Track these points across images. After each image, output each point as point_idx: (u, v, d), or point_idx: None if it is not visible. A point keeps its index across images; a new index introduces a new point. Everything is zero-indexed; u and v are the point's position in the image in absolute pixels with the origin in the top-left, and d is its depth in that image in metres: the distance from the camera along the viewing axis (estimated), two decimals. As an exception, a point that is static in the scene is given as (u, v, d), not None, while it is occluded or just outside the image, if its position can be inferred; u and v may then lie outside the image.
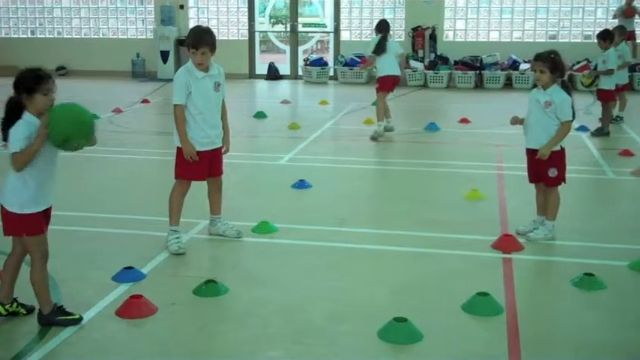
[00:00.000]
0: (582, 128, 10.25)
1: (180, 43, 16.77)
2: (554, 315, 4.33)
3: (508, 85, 15.71)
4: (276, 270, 4.97)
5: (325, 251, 5.34)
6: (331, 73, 17.34)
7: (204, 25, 9.54)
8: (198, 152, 5.22)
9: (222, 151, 5.46)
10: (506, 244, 5.33)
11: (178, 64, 16.42)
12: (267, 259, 5.19)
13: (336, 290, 4.60)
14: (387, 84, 10.04)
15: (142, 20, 18.79)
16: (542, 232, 5.52)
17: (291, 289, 4.64)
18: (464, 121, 11.27)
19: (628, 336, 3.96)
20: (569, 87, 5.55)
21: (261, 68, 18.19)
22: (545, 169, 5.46)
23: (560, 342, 3.94)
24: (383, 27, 10.14)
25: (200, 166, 5.27)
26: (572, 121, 5.45)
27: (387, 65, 10.00)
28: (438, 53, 16.55)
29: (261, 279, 4.79)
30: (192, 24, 17.57)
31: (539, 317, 4.26)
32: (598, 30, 11.25)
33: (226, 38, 17.84)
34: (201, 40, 5.12)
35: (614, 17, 15.42)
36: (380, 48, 9.92)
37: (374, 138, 9.79)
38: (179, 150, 5.26)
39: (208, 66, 5.21)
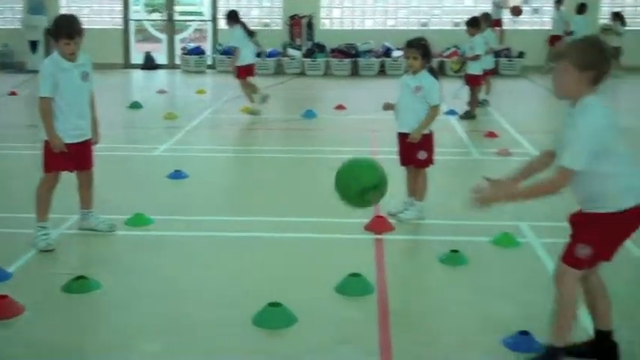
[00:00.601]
0: (451, 112, 10.62)
1: (50, 32, 16.08)
2: (422, 291, 4.51)
3: (382, 71, 16.06)
4: (151, 262, 4.89)
5: (202, 241, 5.30)
6: (209, 61, 17.15)
7: (75, 13, 9.35)
8: (67, 144, 5.05)
9: (92, 142, 5.30)
10: (378, 225, 5.46)
11: (48, 54, 15.74)
12: (142, 252, 5.10)
13: (212, 279, 4.59)
14: (246, 71, 10.85)
15: (10, 9, 17.93)
16: (412, 212, 5.70)
17: (166, 280, 4.57)
18: (340, 107, 11.44)
19: (492, 307, 4.15)
20: (436, 72, 5.74)
21: (138, 58, 17.77)
22: (415, 152, 5.63)
23: (428, 316, 4.10)
24: (235, 18, 10.93)
25: (69, 159, 5.10)
26: (439, 105, 5.64)
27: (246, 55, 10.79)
28: (315, 41, 16.71)
29: (135, 272, 4.71)
30: (64, 12, 16.93)
31: (407, 294, 4.42)
32: (466, 18, 11.67)
33: (100, 27, 17.29)
34: (74, 29, 4.98)
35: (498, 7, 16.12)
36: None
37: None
38: (46, 143, 5.07)
39: (76, 56, 5.06)
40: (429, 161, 5.70)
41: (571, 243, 3.30)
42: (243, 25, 10.86)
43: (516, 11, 15.12)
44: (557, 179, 3.19)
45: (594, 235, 3.23)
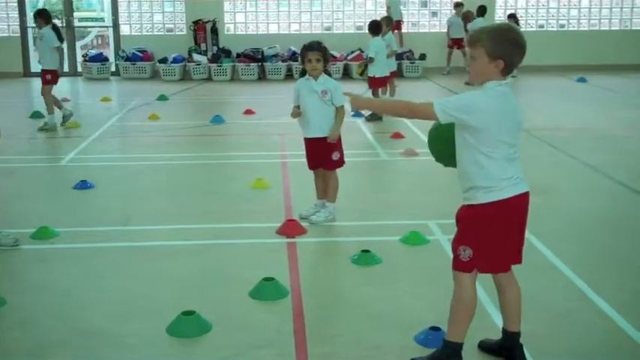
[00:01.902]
0: (357, 114, 10.75)
1: None
2: (335, 292, 4.53)
3: (289, 75, 16.08)
4: (58, 276, 4.73)
5: (110, 252, 5.17)
6: (113, 68, 16.77)
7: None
8: None
9: None
10: (290, 228, 5.47)
11: None
12: (48, 266, 4.92)
13: (122, 291, 4.47)
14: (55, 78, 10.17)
15: None
16: (324, 214, 5.73)
17: (74, 293, 4.44)
18: (248, 112, 11.40)
19: (404, 305, 4.22)
20: (331, 74, 5.81)
21: (36, 66, 17.13)
22: (329, 154, 5.66)
23: (342, 316, 4.12)
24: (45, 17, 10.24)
25: None
26: (344, 105, 5.71)
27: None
28: (221, 46, 16.58)
29: (41, 286, 4.54)
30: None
31: (321, 295, 4.43)
32: (369, 21, 11.84)
33: (-4, 35, 16.65)
34: None
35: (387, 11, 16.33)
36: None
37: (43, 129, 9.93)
38: None
39: None
40: (341, 162, 5.74)
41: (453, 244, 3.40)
42: (55, 27, 10.15)
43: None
44: (420, 107, 3.30)
45: (470, 233, 3.31)
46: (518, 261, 3.41)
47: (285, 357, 3.62)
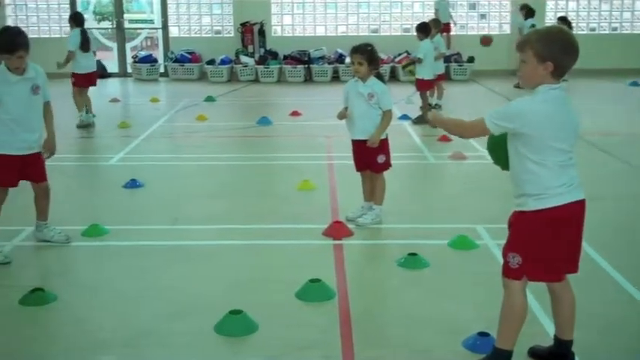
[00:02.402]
0: (404, 117, 10.71)
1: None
2: (381, 295, 4.52)
3: (336, 77, 16.09)
4: (108, 273, 4.81)
5: (158, 251, 5.24)
6: (162, 69, 16.99)
7: (20, 24, 9.33)
8: (9, 156, 4.95)
9: (44, 156, 5.19)
10: (337, 230, 5.47)
11: None
12: (98, 263, 5.01)
13: (170, 289, 4.53)
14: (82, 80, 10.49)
15: (-46, 19, 17.50)
16: (370, 217, 5.72)
17: (123, 291, 4.51)
18: (295, 114, 11.44)
19: (451, 309, 4.18)
20: (383, 78, 5.79)
21: (88, 67, 17.47)
22: (374, 156, 5.65)
23: (389, 320, 4.11)
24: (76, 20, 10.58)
25: (10, 172, 4.99)
26: (392, 109, 5.68)
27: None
28: (268, 48, 16.67)
29: (92, 283, 4.62)
30: (10, 22, 16.59)
31: (368, 298, 4.43)
32: (416, 23, 11.78)
33: (48, 36, 16.98)
34: (15, 43, 4.81)
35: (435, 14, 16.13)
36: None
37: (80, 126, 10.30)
38: None
39: (25, 69, 4.93)
40: (387, 165, 5.73)
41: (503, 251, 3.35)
42: (83, 32, 10.42)
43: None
44: (474, 124, 3.34)
45: (520, 240, 3.26)
46: (573, 270, 3.34)
47: (332, 358, 3.62)
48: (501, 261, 3.36)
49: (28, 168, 5.08)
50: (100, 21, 19.82)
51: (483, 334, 3.69)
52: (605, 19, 17.78)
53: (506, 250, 3.31)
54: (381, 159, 5.67)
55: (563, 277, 3.35)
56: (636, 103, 12.88)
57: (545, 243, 3.20)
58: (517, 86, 14.65)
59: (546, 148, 3.14)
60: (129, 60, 17.31)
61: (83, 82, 10.54)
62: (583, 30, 17.46)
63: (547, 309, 3.66)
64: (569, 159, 3.20)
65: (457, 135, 3.57)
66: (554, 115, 3.14)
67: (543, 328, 3.85)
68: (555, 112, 3.15)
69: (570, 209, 3.21)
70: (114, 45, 17.88)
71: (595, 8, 17.66)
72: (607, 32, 17.76)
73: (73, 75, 10.54)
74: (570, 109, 3.22)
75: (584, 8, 17.66)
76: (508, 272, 3.29)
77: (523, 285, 3.30)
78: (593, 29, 17.71)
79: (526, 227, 3.24)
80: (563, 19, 15.62)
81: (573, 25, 16.48)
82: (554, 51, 3.13)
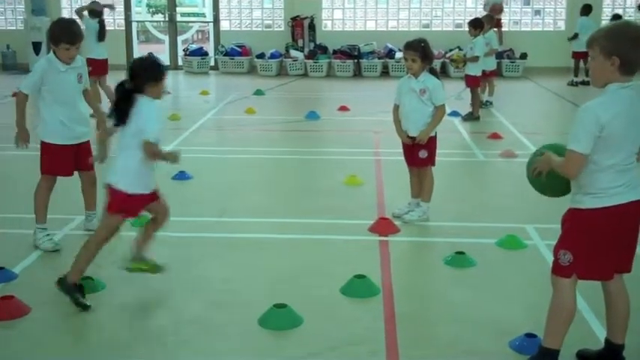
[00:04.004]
0: (454, 113, 10.61)
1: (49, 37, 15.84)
2: (427, 293, 4.49)
3: (385, 72, 16.04)
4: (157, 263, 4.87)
5: (206, 242, 5.29)
6: (212, 63, 17.15)
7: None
8: (63, 146, 5.07)
9: (99, 135, 5.31)
10: (383, 227, 5.45)
11: None
12: (146, 253, 5.07)
13: (217, 281, 4.58)
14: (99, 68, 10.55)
15: (12, 10, 17.93)
16: (417, 213, 5.69)
17: (172, 281, 4.56)
18: (343, 109, 11.43)
19: (498, 309, 4.14)
20: (437, 73, 5.72)
21: (139, 59, 17.75)
22: (416, 151, 5.61)
23: (434, 318, 4.09)
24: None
25: (64, 161, 5.11)
26: (444, 104, 5.62)
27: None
28: (317, 43, 16.69)
29: (140, 273, 4.69)
30: (65, 14, 16.94)
31: (413, 296, 4.40)
32: (468, 18, 11.66)
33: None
34: (76, 34, 4.98)
35: (485, 8, 15.96)
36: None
37: None
38: (43, 145, 5.08)
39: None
40: (429, 161, 5.66)
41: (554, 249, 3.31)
42: (101, 22, 10.79)
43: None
44: (563, 162, 3.18)
45: (572, 238, 3.22)
46: (626, 269, 3.29)
47: (376, 355, 3.61)
48: (550, 261, 3.31)
49: (79, 157, 5.18)
50: (153, 14, 20.08)
51: (530, 335, 3.64)
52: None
53: (558, 247, 3.26)
54: (422, 154, 5.61)
55: (612, 275, 3.29)
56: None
57: (598, 242, 3.16)
58: (570, 84, 14.40)
59: (613, 149, 3.08)
60: (180, 53, 17.51)
61: (100, 69, 10.66)
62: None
63: (598, 312, 3.59)
64: (632, 160, 3.15)
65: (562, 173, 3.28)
66: (626, 116, 3.07)
67: (592, 331, 3.78)
68: (627, 112, 3.08)
69: (628, 208, 3.15)
70: (166, 38, 18.12)
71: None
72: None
73: (90, 62, 10.66)
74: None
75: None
76: (558, 270, 3.25)
77: (573, 284, 3.25)
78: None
79: (580, 225, 3.20)
80: (618, 17, 15.26)
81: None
82: (620, 45, 3.06)
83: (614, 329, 3.39)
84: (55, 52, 5.02)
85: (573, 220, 3.24)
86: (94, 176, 5.33)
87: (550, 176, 3.31)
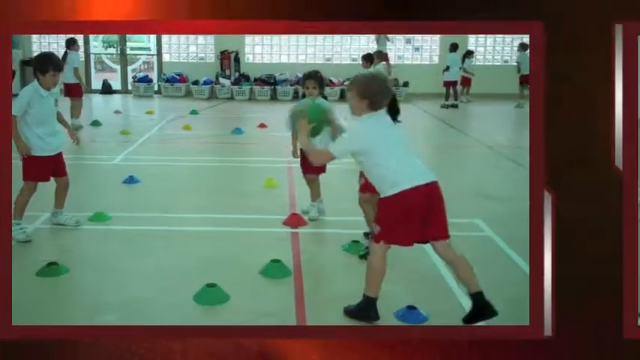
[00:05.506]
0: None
1: (25, 63, 14.63)
2: (329, 274, 4.55)
3: (296, 97, 16.03)
4: (109, 251, 4.77)
5: (152, 234, 5.20)
6: (156, 88, 16.76)
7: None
8: (42, 157, 4.94)
9: (73, 141, 5.31)
10: (294, 221, 5.49)
11: (23, 83, 14.61)
12: (102, 243, 4.96)
13: (160, 267, 4.50)
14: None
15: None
16: (316, 210, 5.70)
17: (121, 266, 4.47)
18: (262, 125, 11.40)
19: (385, 286, 4.20)
20: (327, 98, 5.73)
21: (97, 84, 17.20)
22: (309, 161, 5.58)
23: (335, 294, 4.11)
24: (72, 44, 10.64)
25: (45, 169, 4.99)
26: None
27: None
28: (241, 72, 16.60)
29: (96, 259, 4.58)
30: (35, 47, 16.23)
31: (318, 277, 4.46)
32: (362, 54, 11.84)
33: (64, 58, 16.55)
34: (60, 64, 5.01)
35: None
36: None
37: None
38: (24, 158, 4.90)
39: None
40: (321, 169, 5.61)
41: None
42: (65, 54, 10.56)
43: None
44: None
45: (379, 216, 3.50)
46: (441, 237, 3.49)
47: (287, 323, 3.65)
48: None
49: (56, 165, 5.07)
50: (107, 47, 19.48)
51: (411, 307, 3.71)
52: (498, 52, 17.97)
53: (374, 222, 3.58)
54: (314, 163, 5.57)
55: (412, 242, 3.52)
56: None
57: (394, 218, 3.41)
58: (442, 106, 14.87)
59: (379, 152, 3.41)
60: (130, 80, 17.04)
61: (75, 91, 10.53)
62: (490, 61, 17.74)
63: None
64: (407, 161, 3.46)
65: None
66: (375, 131, 3.46)
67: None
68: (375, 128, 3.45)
69: (413, 192, 3.36)
70: (118, 67, 17.58)
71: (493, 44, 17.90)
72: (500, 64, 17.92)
73: (69, 86, 10.47)
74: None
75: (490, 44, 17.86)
76: (374, 237, 3.55)
77: (383, 247, 3.50)
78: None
79: (383, 206, 3.45)
80: (470, 53, 15.90)
81: (480, 57, 16.71)
82: (369, 90, 3.47)
83: (467, 283, 3.45)
84: (39, 80, 4.85)
85: (380, 203, 3.50)
86: (67, 181, 5.21)
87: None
